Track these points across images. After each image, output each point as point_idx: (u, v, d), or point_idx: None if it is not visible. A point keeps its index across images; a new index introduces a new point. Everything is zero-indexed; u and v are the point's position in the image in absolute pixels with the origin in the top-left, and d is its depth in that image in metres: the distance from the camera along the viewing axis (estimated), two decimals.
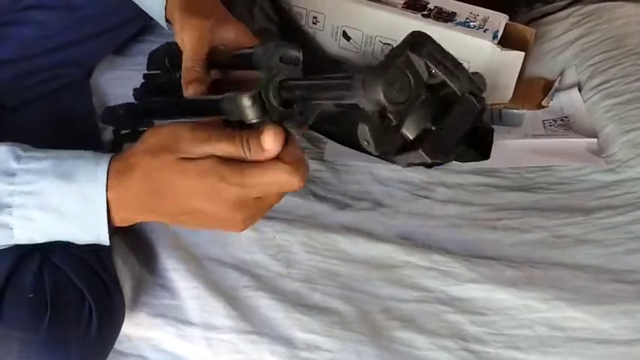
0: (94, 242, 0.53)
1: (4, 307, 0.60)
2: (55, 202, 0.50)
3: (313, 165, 0.88)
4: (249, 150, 0.48)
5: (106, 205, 0.50)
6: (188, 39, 0.60)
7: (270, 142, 0.48)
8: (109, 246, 0.73)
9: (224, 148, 0.48)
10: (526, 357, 0.69)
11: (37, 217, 0.51)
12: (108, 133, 0.88)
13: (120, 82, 0.93)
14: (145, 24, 0.97)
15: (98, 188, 0.49)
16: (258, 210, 0.51)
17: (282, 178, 0.48)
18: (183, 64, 0.59)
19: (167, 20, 0.67)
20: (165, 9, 0.66)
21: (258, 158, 0.48)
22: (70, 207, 0.50)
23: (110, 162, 0.51)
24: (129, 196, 0.50)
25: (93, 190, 0.50)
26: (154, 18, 0.70)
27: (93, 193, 0.50)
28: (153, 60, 0.68)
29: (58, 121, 0.84)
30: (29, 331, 0.59)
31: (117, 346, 0.70)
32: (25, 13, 0.82)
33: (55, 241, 0.68)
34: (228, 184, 0.48)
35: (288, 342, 0.70)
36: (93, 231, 0.52)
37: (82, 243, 0.54)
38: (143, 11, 0.91)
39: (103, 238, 0.52)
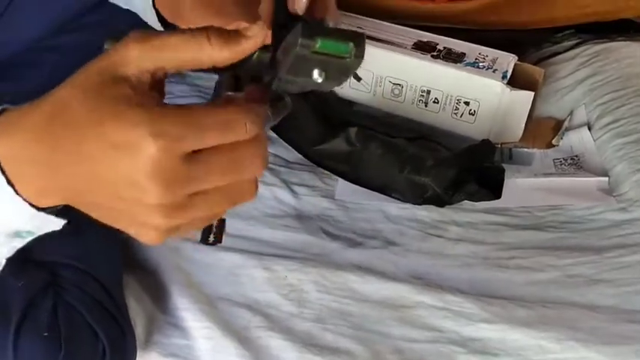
0: (31, 230, 0.41)
1: (20, 345, 0.60)
2: None
3: (324, 203, 0.89)
4: (219, 38, 0.36)
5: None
6: None
7: (257, 27, 0.37)
8: (121, 286, 0.75)
9: (177, 45, 0.36)
10: None
11: None
12: None
13: None
14: None
15: None
16: (190, 203, 0.35)
17: (230, 116, 0.35)
18: None
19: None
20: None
21: (217, 52, 0.37)
22: None
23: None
24: (22, 156, 0.36)
25: None
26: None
27: None
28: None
29: None
30: None
31: None
32: (40, 55, 0.84)
33: (67, 279, 0.69)
34: (150, 128, 0.33)
35: None
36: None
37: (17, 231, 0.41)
38: None
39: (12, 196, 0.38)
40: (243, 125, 0.35)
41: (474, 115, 0.92)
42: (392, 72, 0.94)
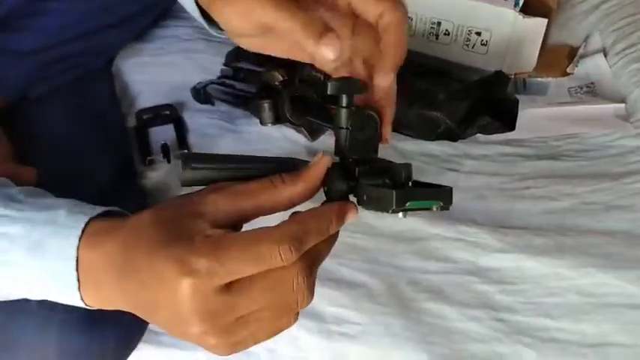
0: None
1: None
2: (25, 277, 0.44)
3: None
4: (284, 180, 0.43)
5: (76, 282, 0.42)
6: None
7: (321, 166, 0.44)
8: None
9: (256, 191, 0.43)
10: (558, 325, 0.69)
11: (8, 285, 0.45)
12: (132, 120, 0.89)
13: (139, 68, 0.93)
14: (164, 9, 0.97)
15: (68, 268, 0.42)
16: (236, 325, 0.39)
17: (265, 249, 0.39)
18: None
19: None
20: None
21: (292, 187, 0.44)
22: (39, 283, 0.44)
23: (89, 225, 0.43)
24: (100, 270, 0.42)
25: (62, 268, 0.42)
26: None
27: (63, 272, 0.42)
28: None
29: (81, 110, 0.85)
30: (67, 312, 0.61)
31: (152, 326, 0.71)
32: (44, 4, 0.83)
33: None
34: (197, 257, 0.38)
35: (317, 316, 0.70)
36: (68, 299, 0.44)
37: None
38: None
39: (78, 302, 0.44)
40: (277, 255, 0.38)
41: (486, 45, 0.90)
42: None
